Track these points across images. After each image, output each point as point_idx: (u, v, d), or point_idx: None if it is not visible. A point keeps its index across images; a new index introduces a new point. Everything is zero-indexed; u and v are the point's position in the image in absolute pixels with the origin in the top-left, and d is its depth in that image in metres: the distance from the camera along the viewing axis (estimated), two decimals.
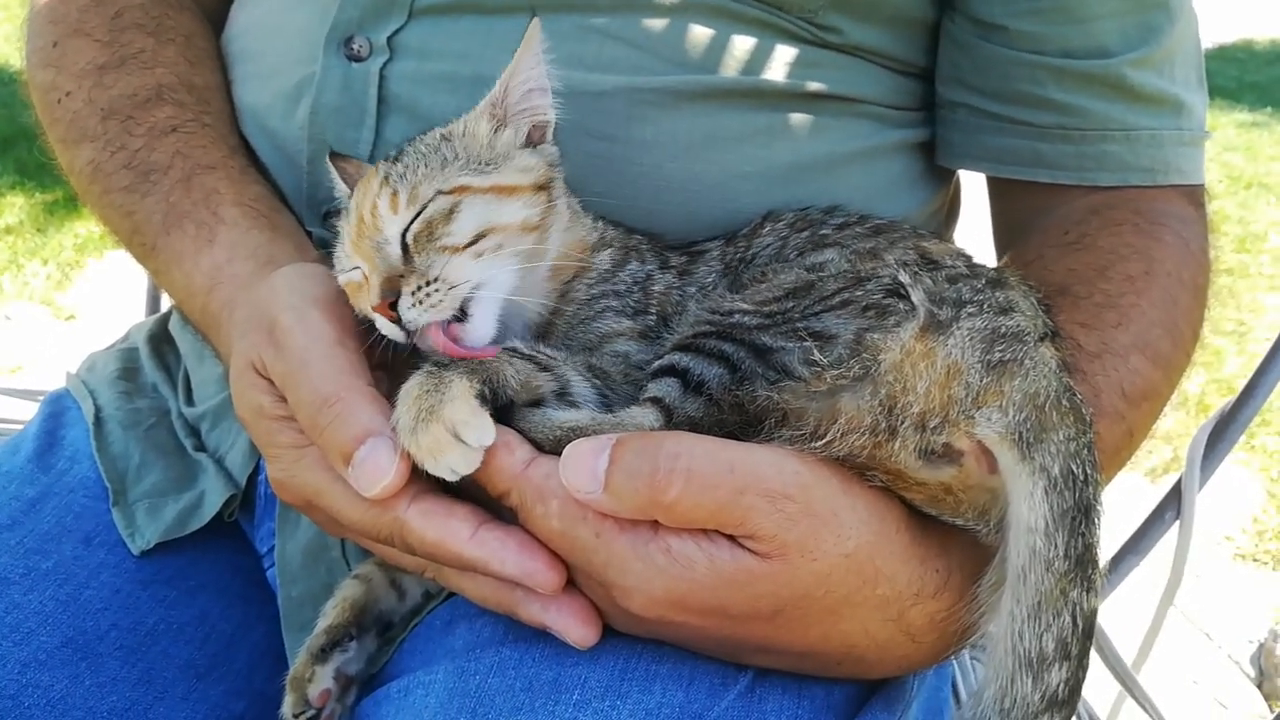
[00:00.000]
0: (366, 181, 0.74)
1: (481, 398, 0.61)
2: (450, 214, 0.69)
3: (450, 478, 0.60)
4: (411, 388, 0.61)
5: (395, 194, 0.70)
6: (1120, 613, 1.21)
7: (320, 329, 0.68)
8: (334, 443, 0.62)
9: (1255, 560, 2.44)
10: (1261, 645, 2.14)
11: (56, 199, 4.03)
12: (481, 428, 0.59)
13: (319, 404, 0.63)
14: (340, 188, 0.81)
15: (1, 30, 6.01)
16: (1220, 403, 1.11)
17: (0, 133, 4.59)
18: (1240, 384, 1.09)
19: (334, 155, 0.82)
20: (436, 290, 0.67)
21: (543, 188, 0.73)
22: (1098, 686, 1.08)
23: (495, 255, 0.70)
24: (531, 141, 0.76)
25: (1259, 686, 2.08)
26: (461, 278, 0.68)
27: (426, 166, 0.71)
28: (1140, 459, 2.76)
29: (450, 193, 0.70)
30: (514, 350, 0.67)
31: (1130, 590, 1.12)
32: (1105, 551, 1.10)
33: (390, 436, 0.61)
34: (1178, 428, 2.84)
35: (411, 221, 0.69)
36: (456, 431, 0.59)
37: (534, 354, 0.67)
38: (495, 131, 0.74)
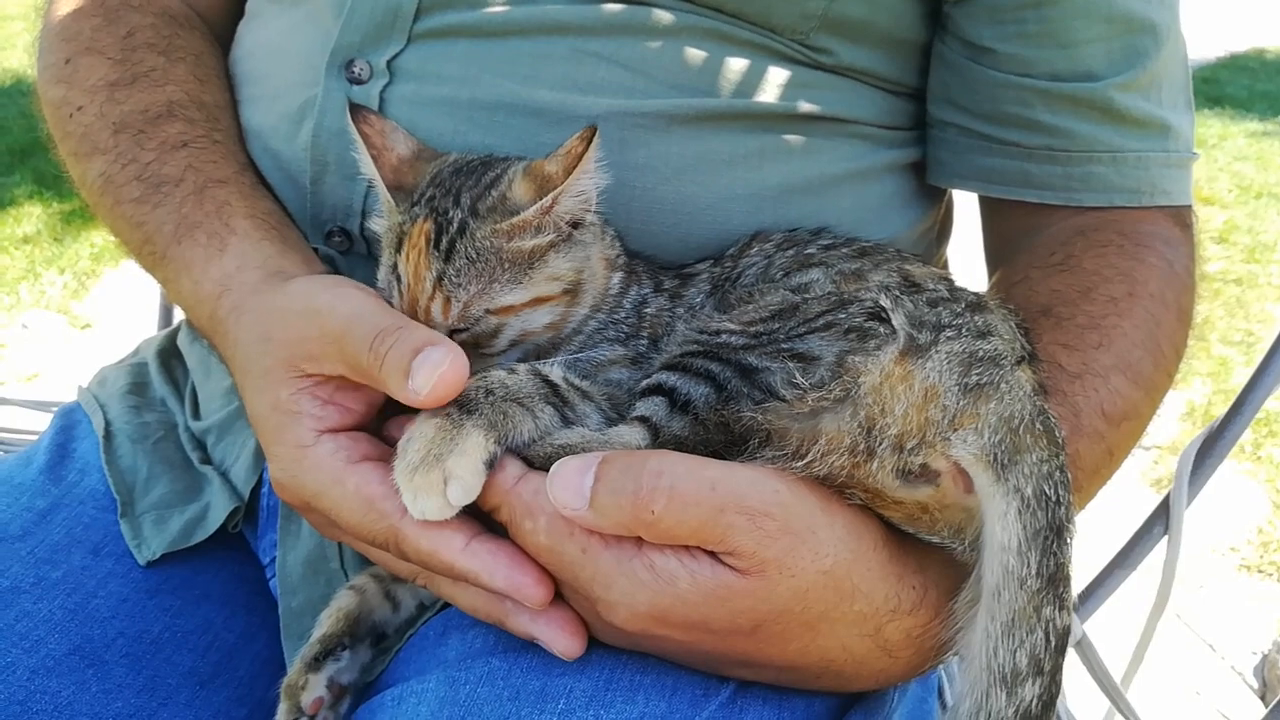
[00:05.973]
0: (414, 246, 0.74)
1: (490, 461, 0.63)
2: (495, 333, 0.75)
3: (417, 516, 0.62)
4: (429, 429, 0.63)
5: (448, 301, 0.73)
6: (1116, 627, 1.21)
7: (363, 298, 0.70)
8: (396, 361, 0.64)
9: (1260, 571, 2.43)
10: (1265, 657, 2.13)
11: (74, 209, 4.07)
12: (467, 489, 0.62)
13: (380, 335, 0.65)
14: (365, 159, 0.79)
15: (20, 41, 6.08)
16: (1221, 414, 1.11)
17: (18, 143, 4.66)
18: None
19: (355, 110, 0.80)
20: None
21: (569, 290, 0.76)
22: (1088, 701, 1.09)
23: (521, 347, 0.77)
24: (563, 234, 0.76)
25: (1262, 698, 2.06)
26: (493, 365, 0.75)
27: (476, 283, 0.73)
28: (1146, 469, 2.77)
29: (496, 313, 0.74)
30: (549, 389, 0.69)
31: (1127, 604, 1.13)
32: (1099, 563, 1.12)
33: (448, 346, 0.64)
34: (1184, 438, 2.83)
35: (460, 329, 0.74)
36: (446, 482, 0.61)
37: (566, 399, 0.69)
38: (535, 238, 0.75)
